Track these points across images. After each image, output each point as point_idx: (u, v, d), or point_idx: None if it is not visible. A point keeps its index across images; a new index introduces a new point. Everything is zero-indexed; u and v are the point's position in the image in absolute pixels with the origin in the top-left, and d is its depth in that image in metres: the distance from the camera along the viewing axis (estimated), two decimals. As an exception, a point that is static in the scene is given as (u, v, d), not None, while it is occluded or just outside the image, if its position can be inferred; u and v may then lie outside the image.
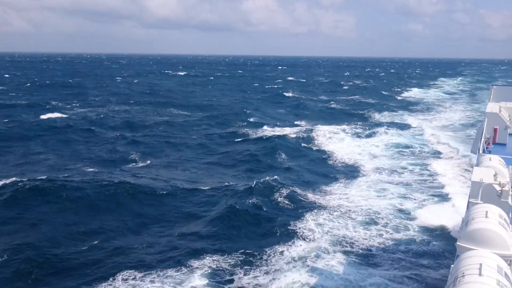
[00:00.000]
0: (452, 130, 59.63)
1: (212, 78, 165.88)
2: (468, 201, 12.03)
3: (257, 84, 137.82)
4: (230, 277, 20.40)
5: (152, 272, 20.67)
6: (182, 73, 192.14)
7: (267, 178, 33.27)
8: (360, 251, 23.14)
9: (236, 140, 50.63)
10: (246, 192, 30.76)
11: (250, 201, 28.94)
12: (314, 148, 46.66)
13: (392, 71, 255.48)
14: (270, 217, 27.27)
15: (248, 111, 71.49)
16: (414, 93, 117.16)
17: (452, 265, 7.44)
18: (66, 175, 34.29)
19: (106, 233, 25.05)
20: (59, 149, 45.25)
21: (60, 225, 25.52)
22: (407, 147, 47.49)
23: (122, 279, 20.06)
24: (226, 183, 33.57)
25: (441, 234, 25.45)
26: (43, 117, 61.69)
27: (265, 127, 57.17)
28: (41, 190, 29.67)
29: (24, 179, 31.52)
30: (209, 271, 20.81)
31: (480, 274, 6.55)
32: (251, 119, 64.60)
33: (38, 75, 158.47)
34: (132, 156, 42.61)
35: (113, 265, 21.45)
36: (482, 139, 20.94)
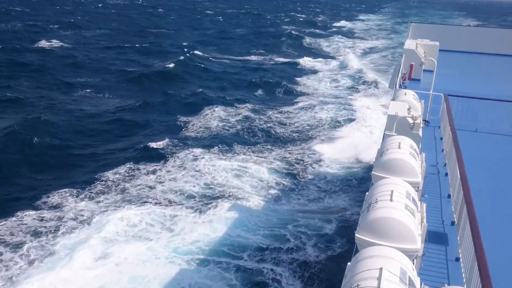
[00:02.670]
0: (375, 52, 75.70)
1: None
2: (384, 133, 12.79)
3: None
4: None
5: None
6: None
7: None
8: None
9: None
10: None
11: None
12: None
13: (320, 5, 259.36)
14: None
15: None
16: (343, 24, 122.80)
17: (367, 193, 8.00)
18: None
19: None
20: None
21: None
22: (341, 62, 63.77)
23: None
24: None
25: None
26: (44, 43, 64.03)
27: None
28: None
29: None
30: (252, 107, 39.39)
31: (391, 200, 7.11)
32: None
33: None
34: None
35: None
36: (399, 75, 21.96)
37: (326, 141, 31.45)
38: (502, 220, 11.44)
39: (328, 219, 21.64)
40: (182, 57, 56.91)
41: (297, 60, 63.79)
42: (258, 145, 30.64)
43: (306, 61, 63.36)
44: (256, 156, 28.53)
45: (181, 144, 29.40)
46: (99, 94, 42.34)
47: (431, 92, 17.97)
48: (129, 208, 20.86)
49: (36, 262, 16.86)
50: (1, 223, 19.48)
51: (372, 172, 9.31)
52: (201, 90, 43.45)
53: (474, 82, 25.84)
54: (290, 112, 38.46)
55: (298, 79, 52.34)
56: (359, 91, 46.89)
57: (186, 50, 63.72)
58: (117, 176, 24.49)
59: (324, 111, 38.43)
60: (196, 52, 64.04)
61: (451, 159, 12.76)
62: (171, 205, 21.55)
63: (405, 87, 20.21)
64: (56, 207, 21.07)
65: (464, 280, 8.72)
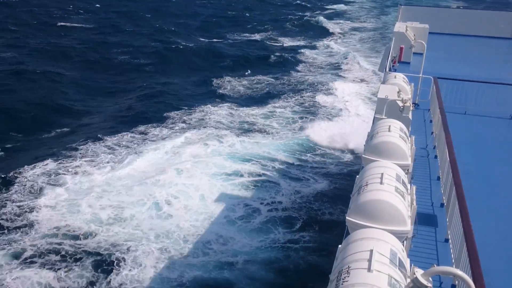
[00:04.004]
0: (364, 32, 78.96)
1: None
2: (374, 116, 12.82)
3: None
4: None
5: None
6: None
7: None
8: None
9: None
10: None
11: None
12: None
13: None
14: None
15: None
16: (336, 6, 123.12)
17: (357, 176, 8.04)
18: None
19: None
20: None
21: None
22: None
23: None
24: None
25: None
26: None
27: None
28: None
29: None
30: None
31: (381, 183, 7.15)
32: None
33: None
34: None
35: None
36: (389, 58, 21.97)
37: (328, 93, 40.75)
38: (490, 201, 11.59)
39: (343, 149, 28.61)
40: (194, 37, 62.38)
41: (297, 38, 70.41)
42: (281, 97, 39.29)
43: (304, 40, 69.32)
44: (280, 104, 37.48)
45: (218, 99, 38.29)
46: (136, 65, 48.74)
47: (420, 75, 18.02)
48: (191, 130, 31.10)
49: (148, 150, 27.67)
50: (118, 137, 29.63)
51: (363, 155, 9.34)
52: (220, 64, 50.35)
53: (464, 65, 25.94)
54: (300, 77, 46.31)
55: (302, 52, 59.40)
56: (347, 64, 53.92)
57: (196, 30, 68.46)
58: (177, 116, 33.84)
59: (322, 76, 47.07)
60: (208, 31, 69.78)
61: (440, 142, 12.85)
62: (217, 129, 31.30)
63: (395, 70, 20.24)
64: (143, 133, 30.40)
65: (453, 261, 8.85)
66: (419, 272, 5.30)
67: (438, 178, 12.38)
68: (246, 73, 47.00)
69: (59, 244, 18.82)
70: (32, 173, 24.05)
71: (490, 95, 17.61)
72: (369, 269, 5.00)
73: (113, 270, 17.47)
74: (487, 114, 17.06)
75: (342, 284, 4.98)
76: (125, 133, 30.27)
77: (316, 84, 43.35)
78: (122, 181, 23.75)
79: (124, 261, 17.90)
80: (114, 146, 28.25)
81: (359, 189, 7.30)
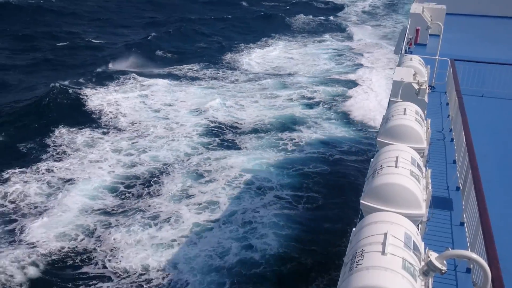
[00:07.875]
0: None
1: None
2: (389, 99, 12.69)
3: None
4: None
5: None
6: None
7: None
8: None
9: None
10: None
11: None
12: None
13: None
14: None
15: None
16: None
17: (372, 159, 7.99)
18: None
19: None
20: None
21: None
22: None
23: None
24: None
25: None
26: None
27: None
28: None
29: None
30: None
31: (396, 166, 7.12)
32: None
33: None
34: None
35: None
36: (405, 40, 21.62)
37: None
38: (507, 185, 11.46)
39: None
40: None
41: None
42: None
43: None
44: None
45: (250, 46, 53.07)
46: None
47: (437, 57, 17.73)
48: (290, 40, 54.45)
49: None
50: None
51: (377, 138, 9.28)
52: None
53: (482, 46, 25.41)
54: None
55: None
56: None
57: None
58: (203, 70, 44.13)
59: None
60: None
61: (457, 125, 12.70)
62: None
63: (411, 53, 19.94)
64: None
65: (468, 244, 8.81)
66: (433, 256, 5.29)
67: (454, 162, 12.27)
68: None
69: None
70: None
71: (509, 78, 17.25)
72: (383, 252, 5.01)
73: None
74: (505, 97, 16.76)
75: (356, 267, 5.00)
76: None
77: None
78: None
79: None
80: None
81: (373, 172, 7.28)
